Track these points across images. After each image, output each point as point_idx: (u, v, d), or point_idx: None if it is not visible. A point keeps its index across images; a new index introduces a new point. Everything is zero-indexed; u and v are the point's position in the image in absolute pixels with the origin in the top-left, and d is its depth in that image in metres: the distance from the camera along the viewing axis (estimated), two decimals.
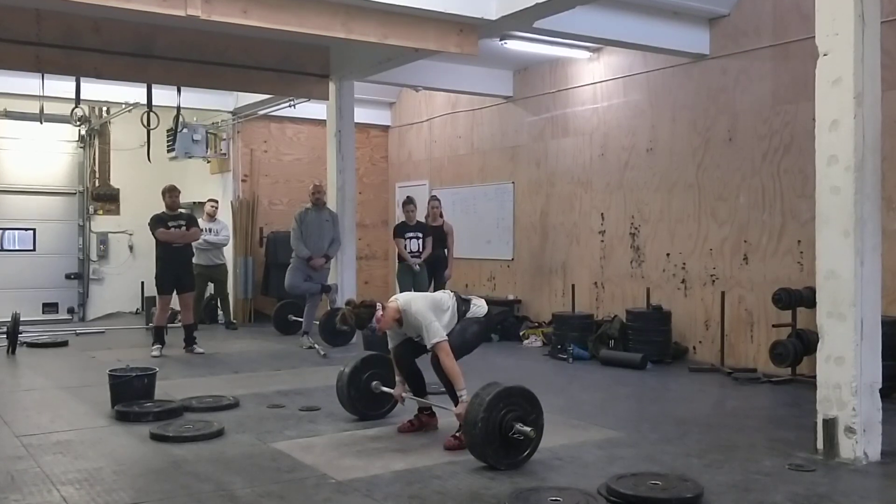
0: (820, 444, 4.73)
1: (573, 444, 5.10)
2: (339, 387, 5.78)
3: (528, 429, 4.54)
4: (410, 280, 9.68)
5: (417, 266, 9.69)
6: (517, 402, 4.66)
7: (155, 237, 8.98)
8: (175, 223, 9.03)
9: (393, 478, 4.41)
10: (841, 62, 4.66)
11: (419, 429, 5.41)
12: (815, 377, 4.88)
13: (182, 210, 9.42)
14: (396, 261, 10.55)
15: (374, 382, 5.68)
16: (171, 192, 9.18)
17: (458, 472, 4.51)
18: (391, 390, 5.54)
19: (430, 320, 4.98)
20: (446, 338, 4.99)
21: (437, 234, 10.02)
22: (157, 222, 8.98)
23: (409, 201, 10.07)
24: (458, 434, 4.98)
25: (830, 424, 4.66)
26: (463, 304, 5.26)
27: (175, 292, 9.09)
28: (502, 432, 4.53)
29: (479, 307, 5.30)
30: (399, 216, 10.89)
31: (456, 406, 4.93)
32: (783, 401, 6.61)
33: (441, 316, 5.09)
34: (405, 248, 9.76)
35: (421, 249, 9.80)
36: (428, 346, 5.00)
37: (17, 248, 11.66)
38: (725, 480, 4.34)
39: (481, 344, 5.38)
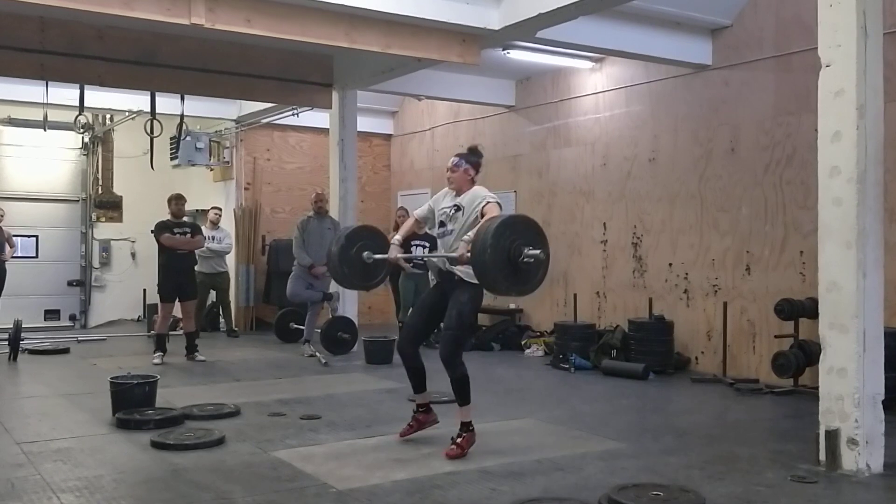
0: (822, 456, 4.71)
1: (574, 455, 5.08)
2: (332, 268, 5.71)
3: (537, 251, 4.52)
4: (413, 287, 9.67)
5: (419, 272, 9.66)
6: (521, 231, 4.63)
7: (159, 243, 8.99)
8: (180, 230, 9.06)
9: (393, 487, 4.40)
10: (843, 74, 4.66)
11: (418, 429, 5.38)
12: (817, 388, 4.87)
13: (186, 218, 9.44)
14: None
15: (366, 253, 5.59)
16: (177, 200, 9.20)
17: (458, 482, 4.49)
18: (384, 255, 5.46)
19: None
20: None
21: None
22: (161, 229, 9.00)
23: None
24: (458, 440, 4.98)
25: (833, 436, 4.64)
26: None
27: (177, 300, 9.09)
28: (511, 259, 4.52)
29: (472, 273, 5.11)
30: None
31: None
32: (785, 412, 6.59)
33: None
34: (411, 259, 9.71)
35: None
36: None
37: (19, 254, 11.66)
38: (727, 492, 4.32)
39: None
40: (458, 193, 5.23)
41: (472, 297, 5.09)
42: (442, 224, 5.22)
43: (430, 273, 5.42)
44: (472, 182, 5.23)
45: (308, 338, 9.51)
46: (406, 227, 5.52)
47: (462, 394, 5.05)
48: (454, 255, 4.92)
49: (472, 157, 5.31)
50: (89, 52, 8.24)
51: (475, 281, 4.93)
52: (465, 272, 4.99)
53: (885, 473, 4.62)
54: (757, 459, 5.02)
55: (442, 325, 5.19)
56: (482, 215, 4.95)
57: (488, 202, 5.02)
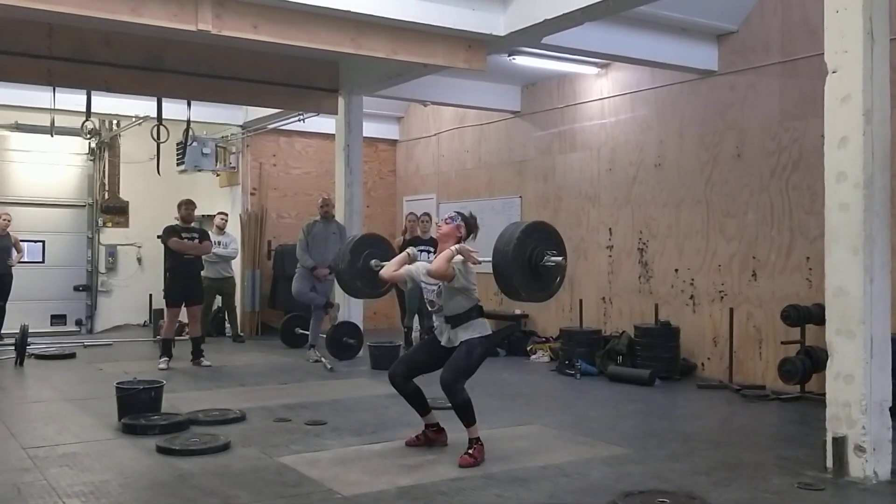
0: (829, 463, 4.69)
1: (580, 461, 5.07)
2: (344, 284, 5.85)
3: (559, 257, 4.64)
4: (419, 293, 9.63)
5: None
6: (544, 238, 4.79)
7: (167, 246, 9.01)
8: (188, 235, 9.08)
9: (398, 493, 4.39)
10: (850, 79, 4.66)
11: (426, 444, 5.38)
12: (824, 395, 4.85)
13: (195, 224, 9.46)
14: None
15: (373, 261, 5.70)
16: (187, 206, 9.24)
17: (464, 488, 4.49)
18: (394, 261, 5.51)
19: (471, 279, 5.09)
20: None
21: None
22: (169, 233, 9.02)
23: (424, 215, 10.13)
24: (470, 451, 4.98)
25: (840, 443, 4.62)
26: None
27: (183, 305, 9.11)
28: (532, 263, 4.63)
29: (484, 324, 5.22)
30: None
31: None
32: (792, 418, 6.57)
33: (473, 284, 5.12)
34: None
35: None
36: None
37: (26, 259, 11.70)
38: (733, 499, 4.31)
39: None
40: (437, 251, 5.25)
41: (482, 342, 5.11)
42: (432, 303, 5.22)
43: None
44: (457, 241, 5.14)
45: (313, 343, 9.52)
46: (397, 263, 5.45)
47: (466, 417, 5.04)
48: (474, 251, 4.97)
49: (470, 220, 5.28)
50: (96, 58, 8.28)
51: (485, 334, 5.09)
52: (473, 332, 5.06)
53: (893, 480, 4.59)
54: (763, 466, 5.00)
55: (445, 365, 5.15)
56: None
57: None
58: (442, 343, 5.19)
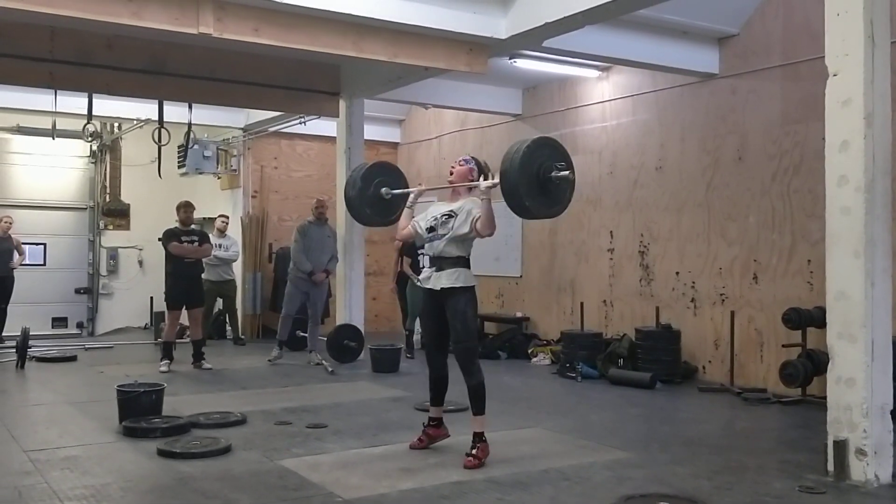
0: (830, 467, 4.68)
1: (582, 465, 5.06)
2: (353, 210, 5.85)
3: (566, 172, 4.63)
4: (421, 296, 9.61)
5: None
6: (550, 152, 4.75)
7: (168, 251, 9.01)
8: (188, 238, 9.08)
9: (400, 497, 4.39)
10: (851, 83, 4.66)
11: (429, 444, 5.38)
12: (825, 398, 4.84)
13: (194, 226, 9.46)
14: (397, 277, 10.51)
15: (384, 189, 5.71)
16: (185, 208, 9.24)
17: (465, 491, 4.49)
18: (404, 191, 5.65)
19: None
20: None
21: None
22: (170, 236, 9.03)
23: None
24: (474, 451, 4.99)
25: (841, 446, 4.62)
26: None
27: (184, 307, 9.11)
28: (539, 177, 4.61)
29: (468, 274, 5.22)
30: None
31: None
32: (793, 422, 6.56)
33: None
34: (420, 265, 9.73)
35: None
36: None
37: (27, 262, 11.70)
38: (735, 502, 4.31)
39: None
40: (453, 200, 5.29)
41: (468, 300, 5.16)
42: (432, 229, 5.25)
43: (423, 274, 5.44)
44: (470, 188, 5.26)
45: (312, 347, 9.53)
46: (405, 219, 5.53)
47: (478, 401, 5.08)
48: (485, 184, 4.98)
49: (481, 163, 5.39)
50: (98, 61, 8.28)
51: (468, 284, 5.12)
52: (457, 281, 5.10)
53: (894, 484, 4.58)
54: (765, 469, 4.99)
55: (451, 340, 5.21)
56: (476, 229, 5.05)
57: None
58: (426, 286, 5.23)
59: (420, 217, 5.42)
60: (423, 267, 9.62)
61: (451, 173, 5.34)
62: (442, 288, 5.13)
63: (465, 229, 5.10)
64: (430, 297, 5.25)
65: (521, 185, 4.64)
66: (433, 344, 5.39)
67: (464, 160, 5.37)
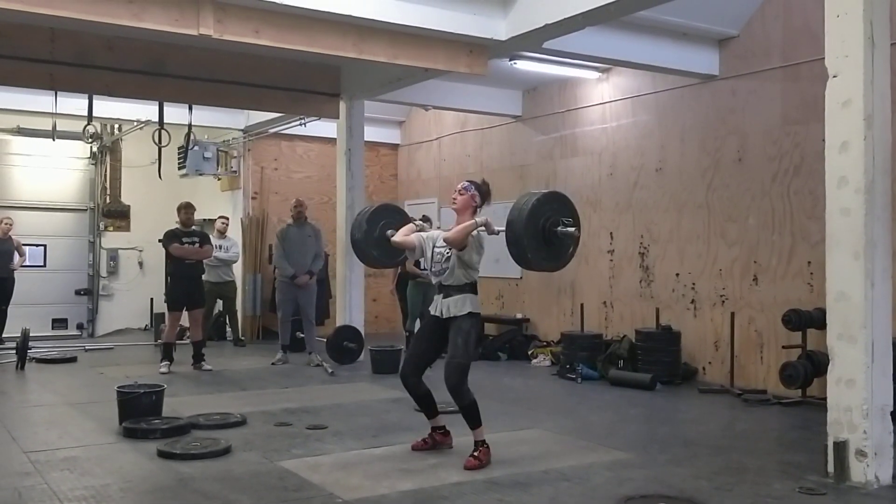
0: (831, 468, 4.68)
1: (582, 466, 5.07)
2: (360, 254, 5.89)
3: (572, 229, 4.68)
4: (421, 298, 9.66)
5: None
6: (557, 207, 4.81)
7: (168, 252, 9.01)
8: (189, 240, 9.08)
9: (400, 498, 4.39)
10: (851, 84, 4.66)
11: (433, 447, 5.38)
12: (825, 399, 4.84)
13: (195, 228, 9.46)
14: (397, 279, 10.51)
15: (389, 231, 5.71)
16: (186, 209, 9.24)
17: (465, 492, 4.49)
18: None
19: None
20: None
21: None
22: (170, 238, 9.03)
23: (425, 219, 10.09)
24: (476, 453, 4.99)
25: (841, 447, 4.62)
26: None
27: (185, 309, 9.11)
28: (545, 232, 4.69)
29: (475, 301, 5.22)
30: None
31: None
32: (793, 423, 6.56)
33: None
34: (420, 265, 9.72)
35: None
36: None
37: (27, 263, 11.70)
38: (735, 503, 4.30)
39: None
40: (456, 222, 5.27)
41: (473, 324, 5.16)
42: (437, 263, 5.25)
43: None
44: (475, 211, 5.23)
45: (311, 349, 9.53)
46: (407, 230, 5.54)
47: (472, 419, 5.08)
48: (482, 220, 5.04)
49: (482, 186, 5.35)
50: (98, 63, 8.28)
51: (474, 311, 5.13)
52: (464, 306, 5.10)
53: (894, 485, 4.59)
54: (765, 471, 4.99)
55: (445, 354, 5.19)
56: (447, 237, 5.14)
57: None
58: (433, 313, 5.23)
59: (427, 239, 5.40)
60: (424, 269, 9.67)
61: (455, 201, 5.30)
62: (447, 316, 5.14)
63: (469, 255, 5.12)
64: (435, 321, 5.25)
65: (525, 236, 4.70)
66: (410, 365, 5.33)
67: (464, 188, 5.29)
